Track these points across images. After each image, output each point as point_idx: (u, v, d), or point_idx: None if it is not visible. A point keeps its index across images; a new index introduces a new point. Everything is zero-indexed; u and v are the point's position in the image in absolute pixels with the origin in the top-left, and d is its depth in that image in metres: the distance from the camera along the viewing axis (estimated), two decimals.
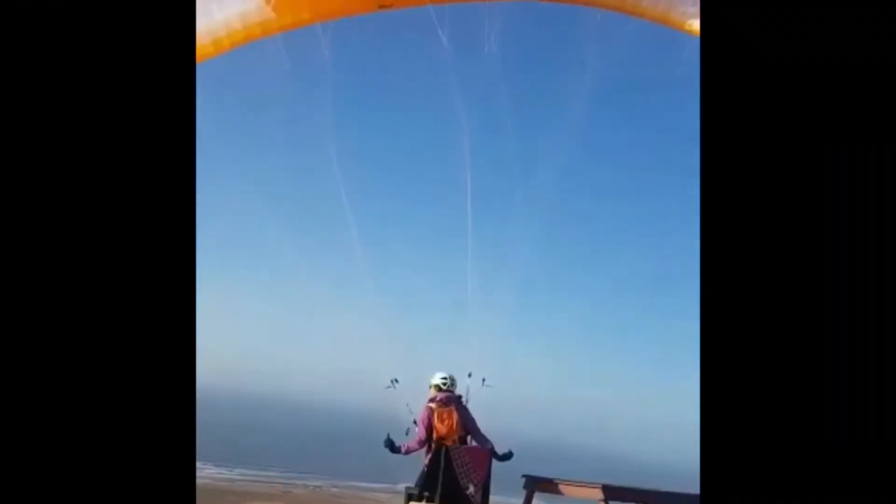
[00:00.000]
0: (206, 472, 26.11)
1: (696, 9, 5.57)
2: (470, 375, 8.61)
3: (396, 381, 8.60)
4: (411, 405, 8.60)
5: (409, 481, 8.67)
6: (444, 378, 8.60)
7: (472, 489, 8.16)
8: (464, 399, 8.59)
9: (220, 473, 27.20)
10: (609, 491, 8.99)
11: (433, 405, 8.43)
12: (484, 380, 8.60)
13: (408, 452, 8.51)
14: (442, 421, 8.33)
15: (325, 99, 8.37)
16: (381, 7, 7.50)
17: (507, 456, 8.61)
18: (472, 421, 8.54)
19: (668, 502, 10.57)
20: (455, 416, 8.36)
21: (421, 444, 8.43)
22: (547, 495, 10.28)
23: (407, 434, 8.52)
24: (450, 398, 8.46)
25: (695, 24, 6.92)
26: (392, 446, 8.50)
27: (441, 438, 8.31)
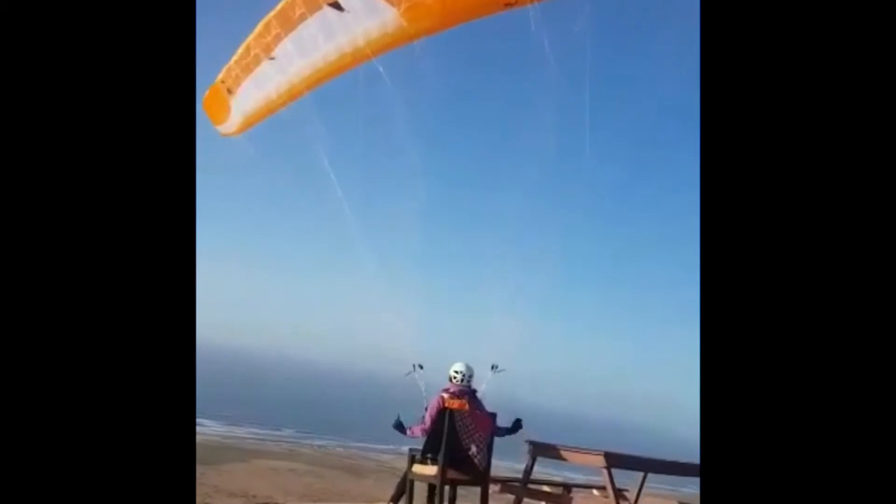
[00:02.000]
0: (215, 430, 26.52)
1: None
2: (493, 368, 8.41)
3: (421, 366, 8.41)
4: (427, 393, 8.48)
5: (414, 444, 8.74)
6: (457, 371, 8.43)
7: (474, 449, 8.21)
8: (479, 393, 8.44)
9: (230, 432, 27.60)
10: (611, 458, 9.04)
11: (445, 395, 8.32)
12: (494, 366, 8.44)
13: (412, 436, 8.43)
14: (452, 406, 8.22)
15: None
16: (507, 6, 7.40)
17: (516, 426, 8.57)
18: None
19: (670, 471, 10.66)
20: (466, 408, 8.25)
21: (424, 433, 8.31)
22: (550, 461, 10.38)
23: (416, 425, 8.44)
24: (463, 391, 8.33)
25: None
26: (401, 427, 8.44)
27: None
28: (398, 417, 8.42)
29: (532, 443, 9.54)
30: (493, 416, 8.45)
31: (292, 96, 8.24)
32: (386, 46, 7.64)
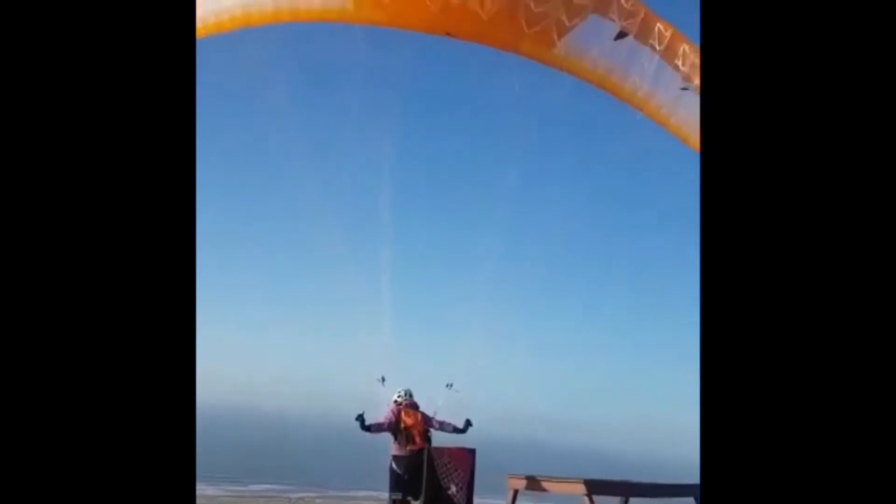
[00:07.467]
0: None
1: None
2: (448, 386, 9.04)
3: (383, 378, 9.19)
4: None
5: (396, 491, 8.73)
6: (399, 394, 9.38)
7: (454, 489, 8.18)
8: (434, 409, 9.26)
9: (200, 491, 26.88)
10: (591, 485, 9.07)
11: (398, 407, 9.23)
12: (449, 384, 8.94)
13: (378, 430, 9.07)
14: (408, 416, 9.06)
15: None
16: (447, 34, 7.58)
17: (467, 425, 9.11)
18: (432, 419, 9.25)
19: (650, 493, 10.66)
20: (419, 415, 9.09)
21: (388, 425, 9.02)
22: (532, 495, 10.32)
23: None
24: (412, 404, 9.26)
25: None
26: (363, 423, 8.96)
27: (408, 428, 8.90)
28: (362, 413, 8.86)
29: (511, 476, 9.51)
30: (473, 451, 8.45)
31: (220, 29, 8.15)
32: (326, 18, 7.85)
